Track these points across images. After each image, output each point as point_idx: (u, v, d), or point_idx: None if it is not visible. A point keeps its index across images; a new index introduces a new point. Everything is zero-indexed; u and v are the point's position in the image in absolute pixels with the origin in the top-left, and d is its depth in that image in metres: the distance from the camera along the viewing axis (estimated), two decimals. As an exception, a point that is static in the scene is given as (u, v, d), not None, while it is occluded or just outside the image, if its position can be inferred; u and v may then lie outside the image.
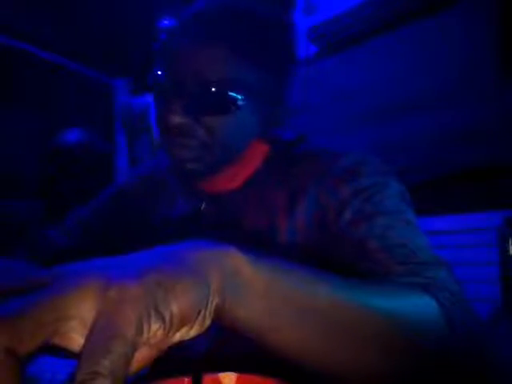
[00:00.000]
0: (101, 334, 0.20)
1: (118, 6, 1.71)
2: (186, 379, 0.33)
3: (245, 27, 0.53)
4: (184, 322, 0.22)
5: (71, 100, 1.98)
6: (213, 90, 0.51)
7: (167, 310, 0.21)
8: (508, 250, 1.05)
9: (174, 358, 0.25)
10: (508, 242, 1.06)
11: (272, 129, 0.60)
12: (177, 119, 0.52)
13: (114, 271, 0.22)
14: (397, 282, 0.43)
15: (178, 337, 0.23)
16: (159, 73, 0.54)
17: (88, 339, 0.20)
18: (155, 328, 0.21)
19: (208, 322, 0.24)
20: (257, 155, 0.62)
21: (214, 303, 0.24)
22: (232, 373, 0.34)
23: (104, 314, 0.20)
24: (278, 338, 0.28)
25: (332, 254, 0.52)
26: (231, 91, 0.52)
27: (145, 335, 0.21)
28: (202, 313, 0.23)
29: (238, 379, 0.34)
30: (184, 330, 0.23)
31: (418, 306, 0.38)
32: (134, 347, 0.20)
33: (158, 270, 0.23)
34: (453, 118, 1.29)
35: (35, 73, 1.87)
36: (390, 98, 1.42)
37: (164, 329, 0.21)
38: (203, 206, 0.63)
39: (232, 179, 0.61)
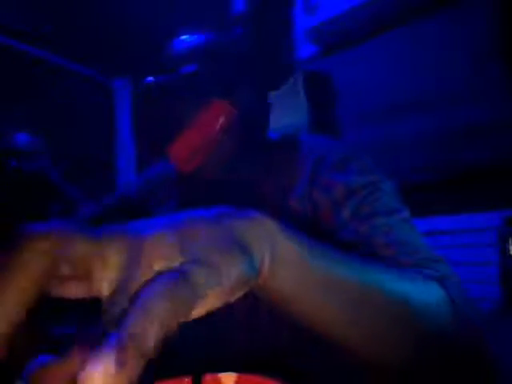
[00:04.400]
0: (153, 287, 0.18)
1: (118, 5, 1.71)
2: (186, 379, 0.33)
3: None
4: (236, 284, 0.21)
5: (71, 100, 1.98)
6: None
7: (227, 275, 0.20)
8: (508, 250, 1.05)
9: (174, 358, 0.25)
10: (508, 242, 1.06)
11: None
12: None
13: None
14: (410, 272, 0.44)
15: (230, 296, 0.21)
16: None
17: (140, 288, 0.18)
18: (213, 283, 0.20)
19: (250, 284, 0.22)
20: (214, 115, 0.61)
21: (257, 268, 0.23)
22: (232, 373, 0.34)
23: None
24: (301, 307, 0.28)
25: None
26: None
27: (201, 291, 0.19)
28: (247, 275, 0.22)
29: (237, 379, 0.34)
30: (234, 293, 0.21)
31: (432, 294, 0.38)
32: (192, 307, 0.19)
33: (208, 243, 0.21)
34: (455, 118, 1.29)
35: (34, 72, 1.87)
36: (391, 98, 1.42)
37: (220, 285, 0.20)
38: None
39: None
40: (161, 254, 0.20)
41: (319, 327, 0.30)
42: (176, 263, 0.20)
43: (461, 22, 1.30)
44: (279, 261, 0.25)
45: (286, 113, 1.41)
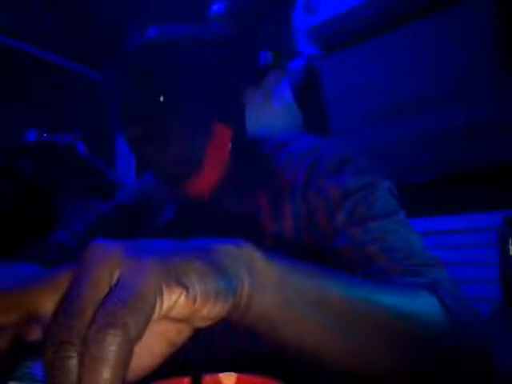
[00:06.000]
0: (121, 293, 0.19)
1: (119, 5, 1.71)
2: (186, 379, 0.33)
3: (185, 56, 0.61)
4: (207, 296, 0.21)
5: (70, 100, 1.98)
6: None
7: (189, 280, 0.21)
8: (508, 250, 1.05)
9: (174, 359, 0.25)
10: (508, 242, 1.05)
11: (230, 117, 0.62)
12: (140, 131, 0.57)
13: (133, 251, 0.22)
14: (399, 282, 0.44)
15: (204, 313, 0.22)
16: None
17: (108, 296, 0.19)
18: (177, 295, 0.21)
19: (229, 304, 0.23)
20: (223, 140, 0.62)
21: (234, 289, 0.23)
22: (232, 373, 0.34)
23: (123, 275, 0.20)
24: (289, 331, 0.28)
25: (325, 257, 0.52)
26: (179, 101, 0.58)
27: (165, 302, 0.20)
28: (223, 294, 0.22)
29: (237, 379, 0.34)
30: (208, 306, 0.22)
31: (421, 304, 0.38)
32: (153, 311, 0.20)
33: (174, 253, 0.23)
34: (455, 118, 1.29)
35: (34, 72, 1.87)
36: (391, 98, 1.42)
37: (187, 297, 0.21)
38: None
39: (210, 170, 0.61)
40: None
41: (308, 350, 0.29)
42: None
43: (460, 22, 1.30)
44: (259, 285, 0.25)
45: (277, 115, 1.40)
